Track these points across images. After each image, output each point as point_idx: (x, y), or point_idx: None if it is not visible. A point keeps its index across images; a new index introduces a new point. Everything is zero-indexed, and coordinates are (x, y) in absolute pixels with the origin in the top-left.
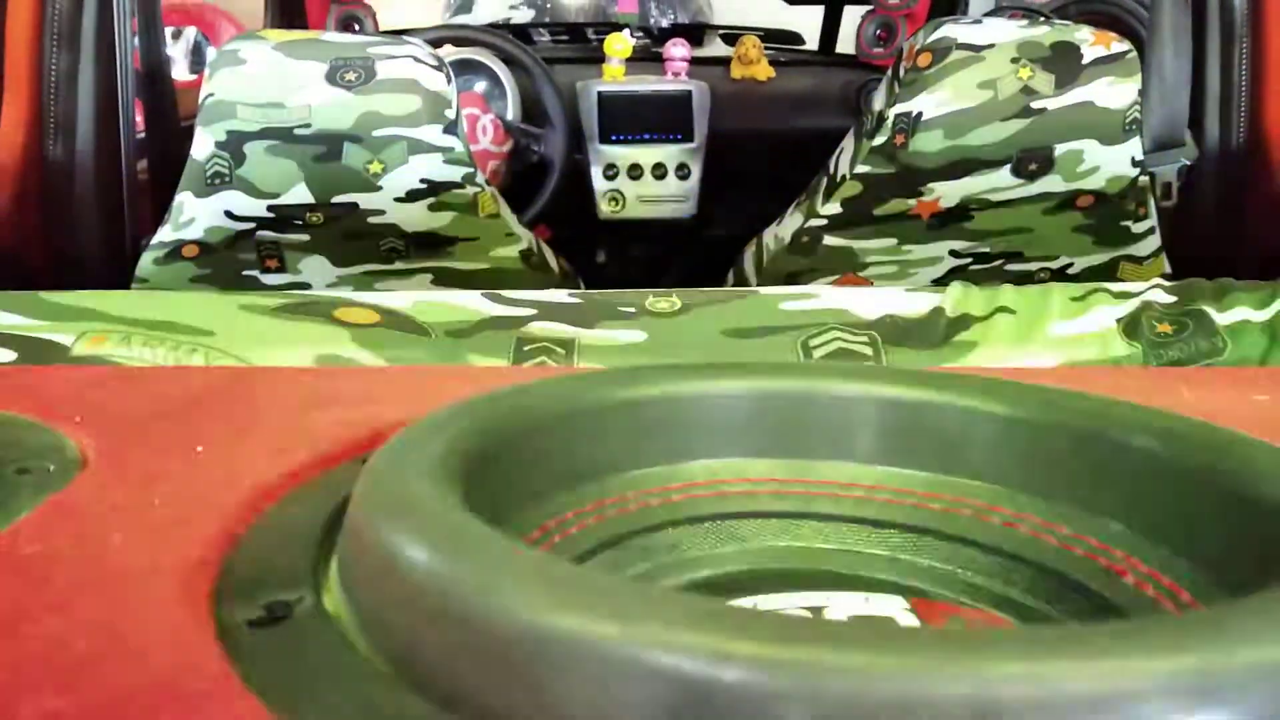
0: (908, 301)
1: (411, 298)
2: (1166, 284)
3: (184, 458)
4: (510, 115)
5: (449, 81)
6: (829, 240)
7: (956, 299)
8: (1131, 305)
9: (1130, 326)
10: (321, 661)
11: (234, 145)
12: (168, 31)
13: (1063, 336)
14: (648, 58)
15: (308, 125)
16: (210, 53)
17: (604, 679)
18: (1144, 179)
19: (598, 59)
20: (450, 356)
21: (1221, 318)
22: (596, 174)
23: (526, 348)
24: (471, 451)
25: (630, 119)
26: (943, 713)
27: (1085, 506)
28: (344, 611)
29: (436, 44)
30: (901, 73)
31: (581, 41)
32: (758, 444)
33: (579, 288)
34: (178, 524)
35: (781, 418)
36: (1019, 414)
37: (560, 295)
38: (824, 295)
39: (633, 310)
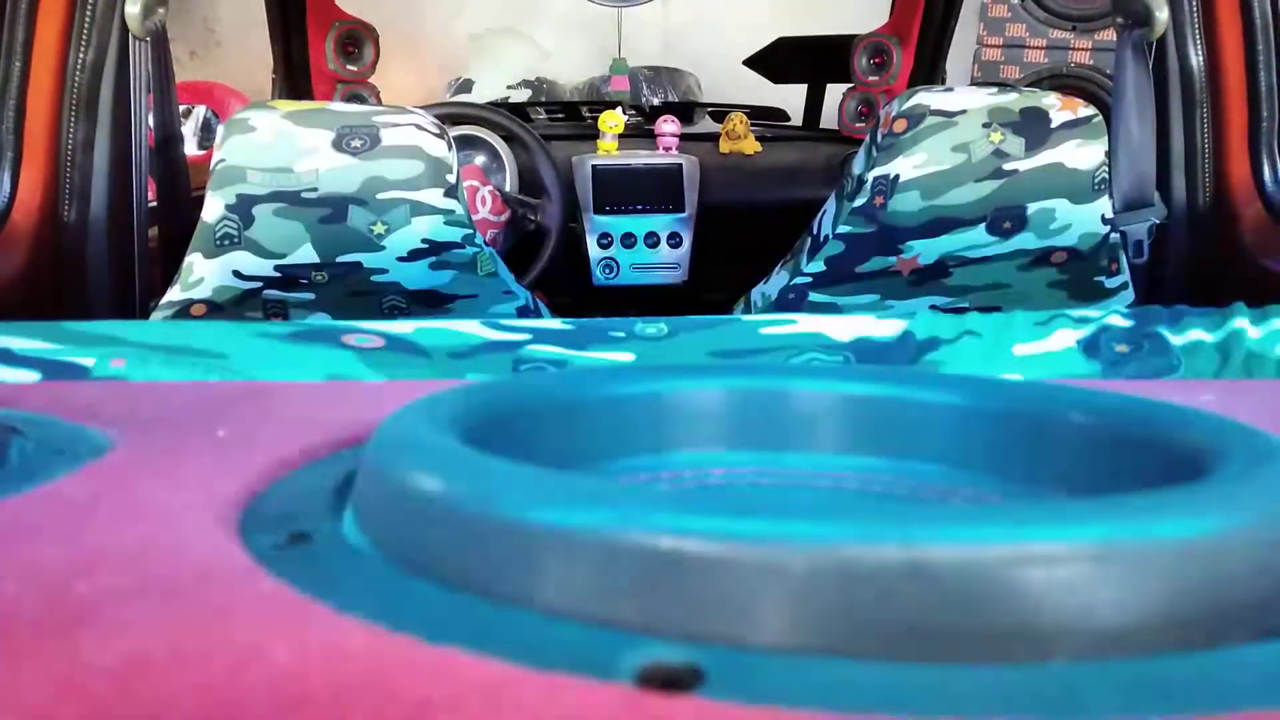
0: (879, 326)
1: (413, 325)
2: (1124, 310)
3: (207, 438)
4: (508, 187)
5: (450, 148)
6: (814, 297)
7: (926, 323)
8: (1091, 328)
9: (1089, 346)
10: (340, 566)
11: (243, 208)
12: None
13: (1025, 356)
14: (640, 134)
15: (315, 189)
16: (219, 129)
17: (579, 557)
18: (1115, 236)
19: (592, 135)
20: (451, 376)
21: (1176, 339)
22: (591, 243)
23: (523, 367)
24: (472, 421)
25: (623, 191)
26: (880, 571)
27: (1033, 479)
28: (359, 538)
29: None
30: (879, 138)
31: (577, 119)
32: (736, 437)
33: None
34: (204, 481)
35: (758, 413)
36: (970, 402)
37: (555, 323)
38: (801, 321)
39: (622, 335)
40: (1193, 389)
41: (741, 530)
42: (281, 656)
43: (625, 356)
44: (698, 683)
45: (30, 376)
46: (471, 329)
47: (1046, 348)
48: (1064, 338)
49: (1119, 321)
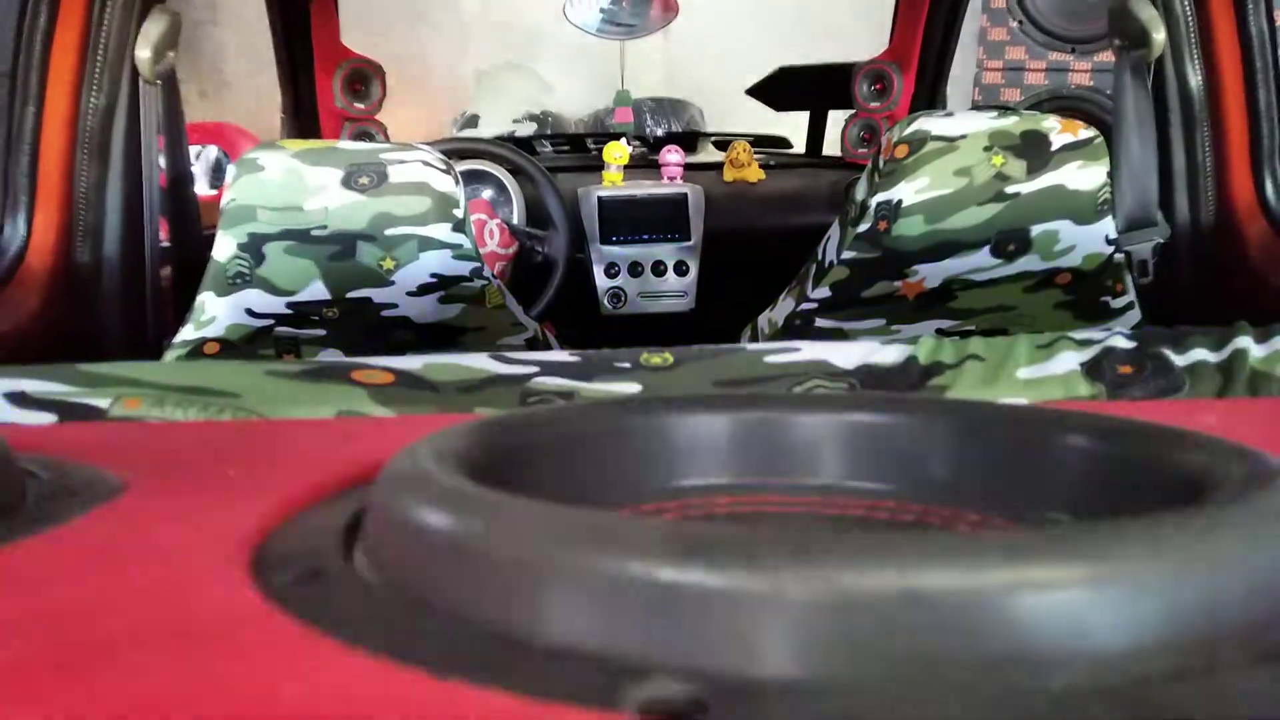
0: (883, 353)
1: (422, 360)
2: (1127, 332)
3: (218, 479)
4: (516, 220)
5: (457, 183)
6: (820, 322)
7: (929, 349)
8: (1094, 350)
9: (1093, 369)
10: (350, 602)
11: (254, 246)
12: (192, 151)
13: (1028, 379)
14: (644, 164)
15: (324, 226)
16: (230, 169)
17: (582, 590)
18: (1120, 257)
19: (597, 166)
20: (460, 410)
21: (1180, 359)
22: (599, 272)
23: (530, 400)
24: (479, 456)
25: (629, 221)
26: (876, 602)
27: (1037, 504)
28: (370, 575)
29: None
30: (881, 164)
31: (582, 151)
32: (742, 466)
33: None
34: (215, 521)
35: (764, 442)
36: (974, 427)
37: (562, 355)
38: (805, 349)
39: (628, 365)
40: (1196, 410)
41: (739, 563)
42: (292, 694)
43: (632, 387)
44: (700, 715)
45: (47, 419)
46: (479, 362)
47: (1050, 371)
48: (1067, 360)
49: (1122, 343)
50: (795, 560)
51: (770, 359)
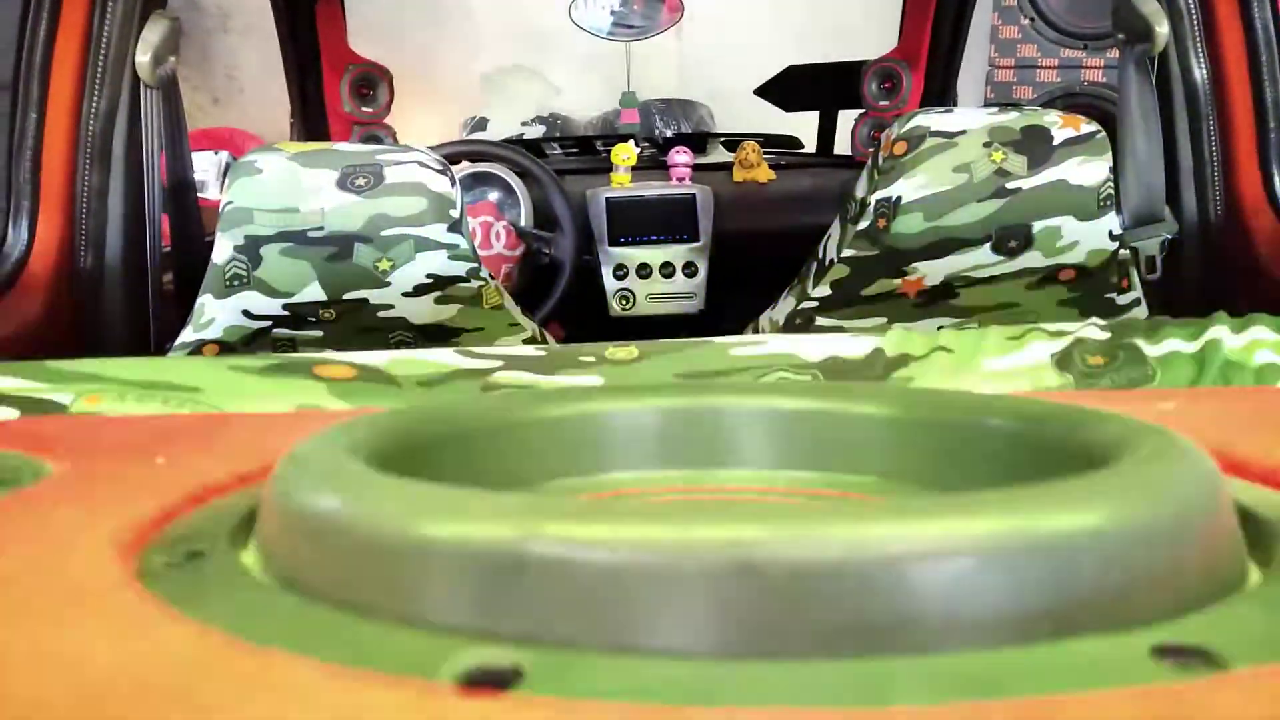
0: (850, 344)
1: (387, 355)
2: (1101, 322)
3: (145, 467)
4: (523, 222)
5: (453, 184)
6: (821, 321)
7: (897, 341)
8: (1065, 341)
9: (1062, 360)
10: (221, 583)
11: (251, 249)
12: (205, 156)
13: (996, 370)
14: (653, 165)
15: (320, 228)
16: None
17: (430, 565)
18: (1125, 253)
19: (606, 169)
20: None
21: (1152, 350)
22: (607, 274)
23: (491, 394)
24: (389, 445)
25: (637, 222)
26: (705, 569)
27: (959, 485)
28: (255, 558)
29: (454, 159)
30: (880, 161)
31: (590, 153)
32: (666, 456)
33: None
34: (123, 505)
35: (688, 431)
36: (896, 413)
37: (526, 349)
38: (772, 341)
39: (592, 359)
40: (1157, 398)
41: (569, 531)
42: (104, 657)
43: (592, 380)
44: (516, 681)
45: (9, 414)
46: (444, 357)
47: (1019, 362)
48: (1037, 351)
49: (1095, 334)
50: (626, 528)
51: (736, 351)
